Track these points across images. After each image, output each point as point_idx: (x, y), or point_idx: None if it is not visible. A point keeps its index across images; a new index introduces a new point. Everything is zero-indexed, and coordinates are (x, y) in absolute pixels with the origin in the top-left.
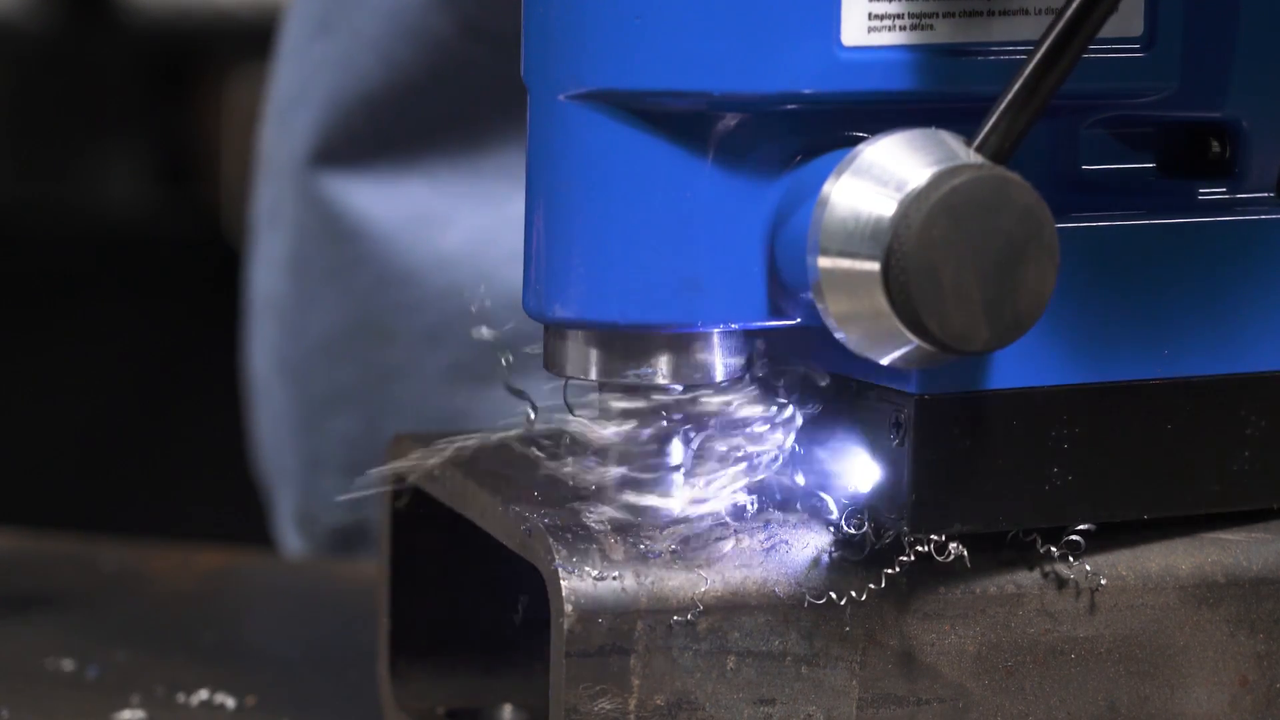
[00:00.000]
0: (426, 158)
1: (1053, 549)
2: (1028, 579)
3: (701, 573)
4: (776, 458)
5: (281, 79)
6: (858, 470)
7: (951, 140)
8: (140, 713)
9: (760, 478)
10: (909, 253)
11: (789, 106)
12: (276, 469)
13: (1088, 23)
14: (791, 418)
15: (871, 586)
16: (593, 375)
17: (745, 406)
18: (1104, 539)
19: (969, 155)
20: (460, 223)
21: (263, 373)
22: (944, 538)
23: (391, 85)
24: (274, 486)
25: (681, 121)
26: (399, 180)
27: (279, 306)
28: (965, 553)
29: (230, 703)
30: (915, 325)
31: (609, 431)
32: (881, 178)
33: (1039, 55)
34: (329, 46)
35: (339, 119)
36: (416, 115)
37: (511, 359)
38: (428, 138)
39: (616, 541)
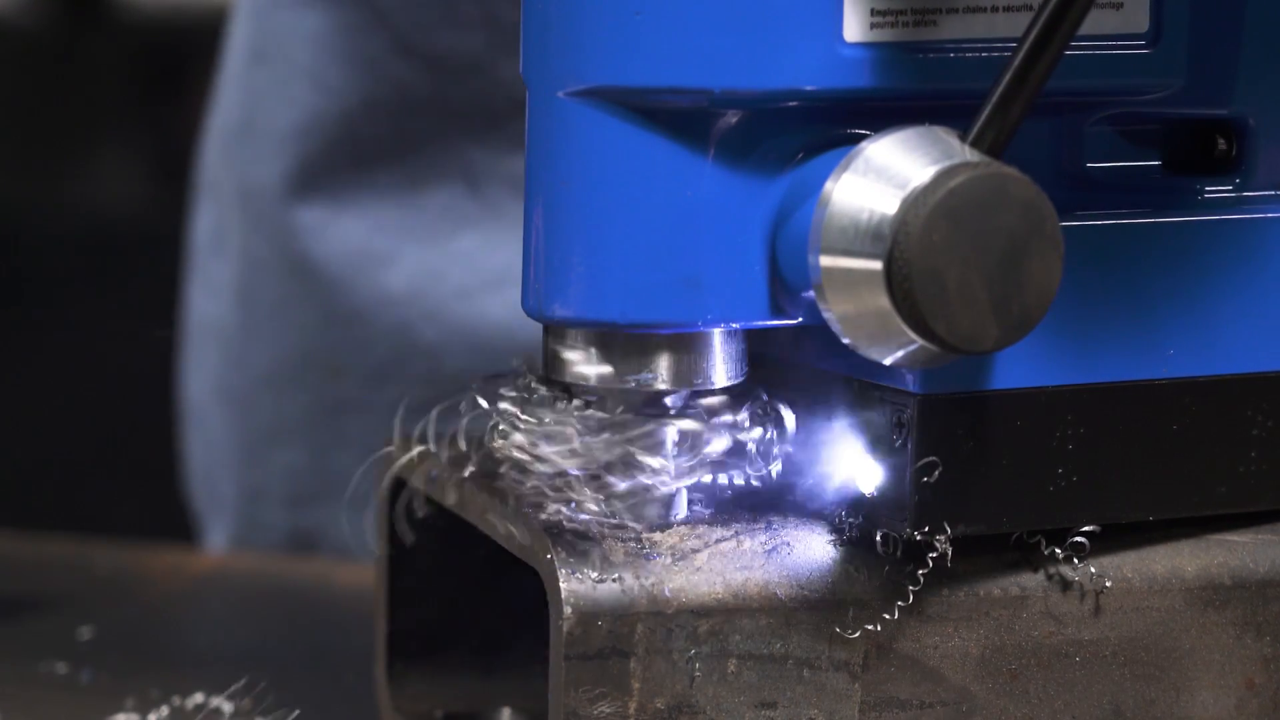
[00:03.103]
0: (366, 194)
1: (1057, 551)
2: (1032, 581)
3: (702, 575)
4: (775, 459)
5: (223, 107)
6: (860, 471)
7: (952, 138)
8: (134, 716)
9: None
10: (911, 259)
11: (790, 104)
12: (209, 496)
13: (1073, 10)
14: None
15: (900, 604)
16: (592, 379)
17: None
18: (1109, 541)
19: (968, 153)
20: (404, 261)
21: (199, 399)
22: (947, 539)
23: (327, 113)
24: (204, 513)
25: (682, 119)
26: (340, 218)
27: (223, 335)
28: (968, 555)
29: (226, 706)
30: (922, 329)
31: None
32: (883, 176)
33: (1026, 45)
34: (266, 75)
35: (282, 151)
36: (354, 146)
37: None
38: (366, 172)
39: (616, 543)
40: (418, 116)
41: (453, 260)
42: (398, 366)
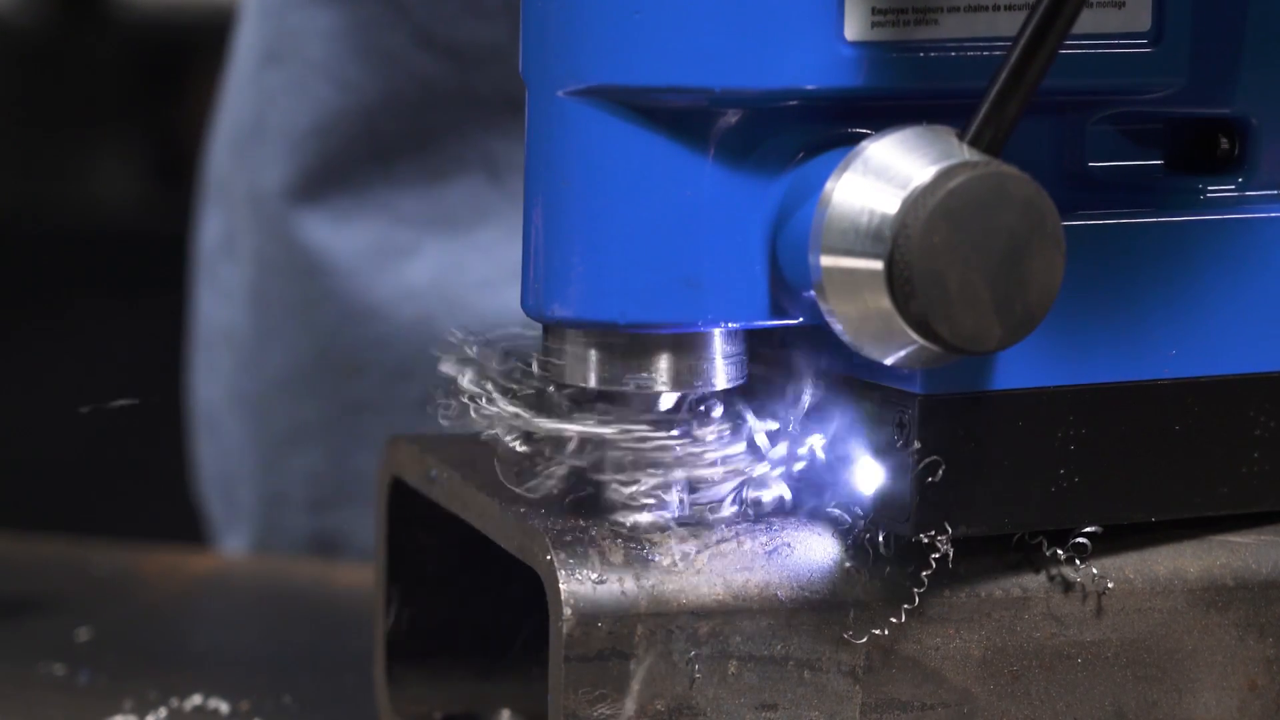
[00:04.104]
0: (386, 188)
1: (1059, 552)
2: (1033, 582)
3: (702, 576)
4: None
5: (233, 108)
6: (861, 472)
7: (952, 137)
8: (132, 718)
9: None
10: (912, 261)
11: (791, 103)
12: (227, 503)
13: (1067, 6)
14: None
15: (906, 606)
16: (591, 381)
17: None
18: (1111, 542)
19: (967, 152)
20: (425, 253)
21: (212, 405)
22: (948, 540)
23: (346, 111)
24: (221, 520)
25: (682, 118)
26: (360, 213)
27: (236, 340)
28: (970, 556)
29: (224, 708)
30: (925, 331)
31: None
32: (884, 176)
33: (1022, 42)
34: (280, 76)
35: (298, 151)
36: (374, 141)
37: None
38: (387, 166)
39: (616, 544)
40: (439, 108)
41: (474, 252)
42: (420, 362)
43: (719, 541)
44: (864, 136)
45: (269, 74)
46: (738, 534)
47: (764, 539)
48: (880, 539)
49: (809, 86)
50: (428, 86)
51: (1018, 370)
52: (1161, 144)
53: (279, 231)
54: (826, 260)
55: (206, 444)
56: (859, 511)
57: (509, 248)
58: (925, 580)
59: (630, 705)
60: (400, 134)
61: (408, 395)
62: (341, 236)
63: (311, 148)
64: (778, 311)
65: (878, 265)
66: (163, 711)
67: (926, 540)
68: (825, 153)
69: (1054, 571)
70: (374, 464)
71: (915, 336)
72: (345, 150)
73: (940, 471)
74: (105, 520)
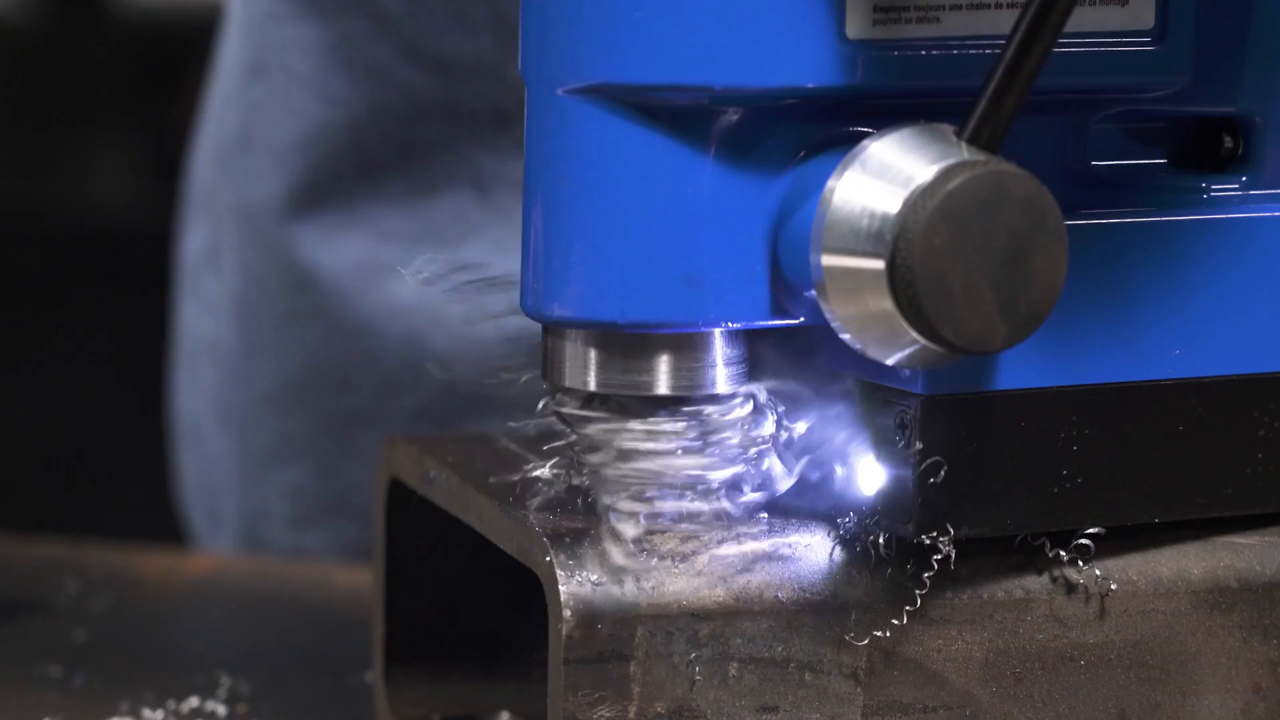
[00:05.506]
0: (373, 203)
1: (1062, 553)
2: (1036, 584)
3: (703, 577)
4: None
5: (218, 121)
6: (863, 473)
7: (953, 136)
8: None
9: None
10: (914, 265)
11: (791, 101)
12: (209, 516)
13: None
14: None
15: (908, 608)
16: (590, 382)
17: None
18: (1114, 543)
19: (966, 151)
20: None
21: (196, 418)
22: (950, 541)
23: (332, 125)
24: (203, 532)
25: (682, 116)
26: (347, 229)
27: (221, 353)
28: (972, 557)
29: (221, 710)
30: (929, 333)
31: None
32: (885, 175)
33: (1017, 37)
34: (265, 89)
35: (284, 166)
36: (361, 155)
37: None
38: (373, 182)
39: (616, 546)
40: (426, 122)
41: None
42: (409, 376)
43: (719, 543)
44: (865, 135)
45: (254, 87)
46: (738, 535)
47: (765, 540)
48: (882, 540)
49: (810, 85)
50: (414, 100)
51: (1021, 370)
52: (1165, 142)
53: (266, 245)
54: (828, 260)
55: (189, 456)
56: (860, 512)
57: (497, 263)
58: (927, 582)
59: (630, 708)
60: (387, 149)
61: (396, 410)
62: (329, 252)
63: (298, 162)
64: (779, 311)
65: (879, 265)
66: (159, 713)
67: (928, 541)
68: (826, 152)
69: (1057, 573)
70: (360, 479)
71: (918, 337)
72: (332, 165)
73: (942, 472)
74: (102, 522)
